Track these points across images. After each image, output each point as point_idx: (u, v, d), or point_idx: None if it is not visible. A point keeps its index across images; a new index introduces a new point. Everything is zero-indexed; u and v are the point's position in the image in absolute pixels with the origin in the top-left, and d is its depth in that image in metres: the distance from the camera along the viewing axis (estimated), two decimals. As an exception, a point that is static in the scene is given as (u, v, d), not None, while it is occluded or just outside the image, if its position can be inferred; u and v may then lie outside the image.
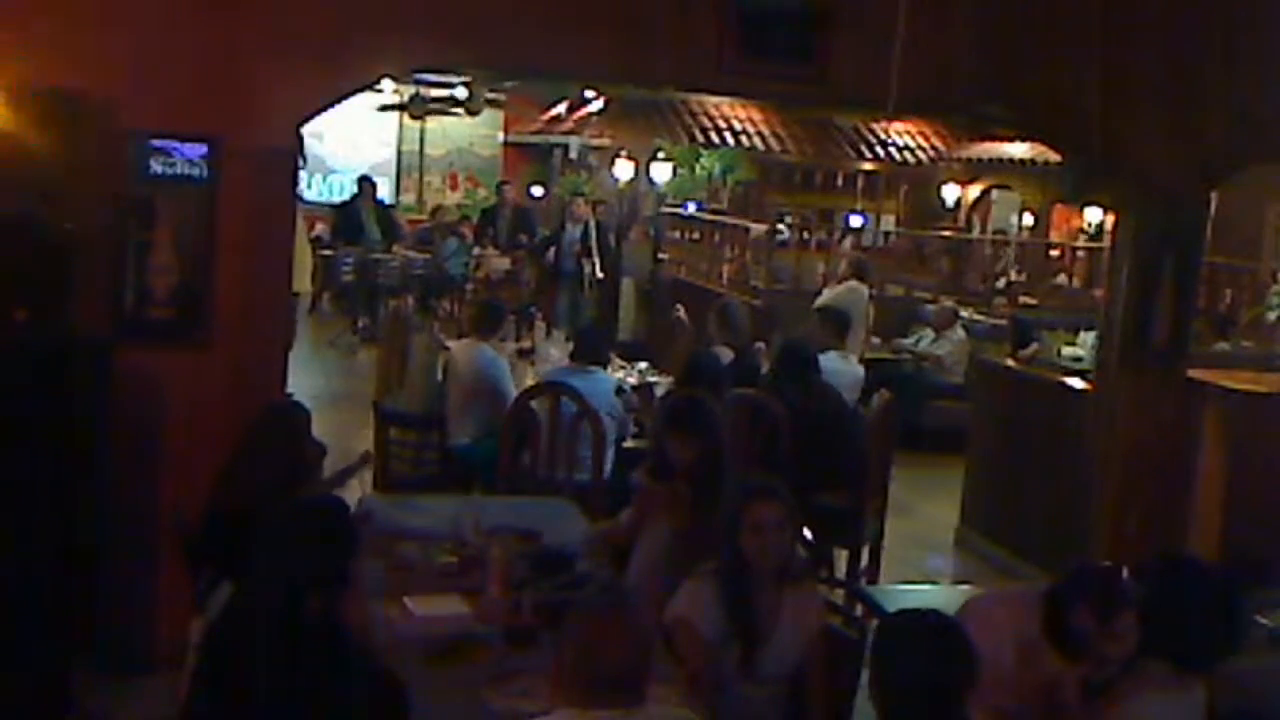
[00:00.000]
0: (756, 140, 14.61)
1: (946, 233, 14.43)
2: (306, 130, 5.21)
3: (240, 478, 4.04)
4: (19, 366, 4.34)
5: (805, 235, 12.70)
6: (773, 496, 3.57)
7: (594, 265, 12.85)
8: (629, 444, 6.19)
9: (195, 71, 4.83)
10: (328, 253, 13.57)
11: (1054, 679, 3.20)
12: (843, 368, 7.12)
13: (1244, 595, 3.11)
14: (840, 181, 15.19)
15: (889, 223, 14.56)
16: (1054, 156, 9.52)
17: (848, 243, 12.92)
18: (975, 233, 14.79)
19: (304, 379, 8.51)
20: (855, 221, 14.16)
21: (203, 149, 4.85)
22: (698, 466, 4.18)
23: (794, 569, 3.65)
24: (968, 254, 13.92)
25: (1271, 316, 10.62)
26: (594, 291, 12.98)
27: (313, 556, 3.00)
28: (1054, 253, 13.98)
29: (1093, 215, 13.80)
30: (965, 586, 6.28)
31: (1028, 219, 14.46)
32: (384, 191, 16.16)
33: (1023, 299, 12.21)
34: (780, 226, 12.64)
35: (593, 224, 12.97)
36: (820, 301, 9.45)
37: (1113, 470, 6.27)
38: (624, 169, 14.12)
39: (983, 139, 14.34)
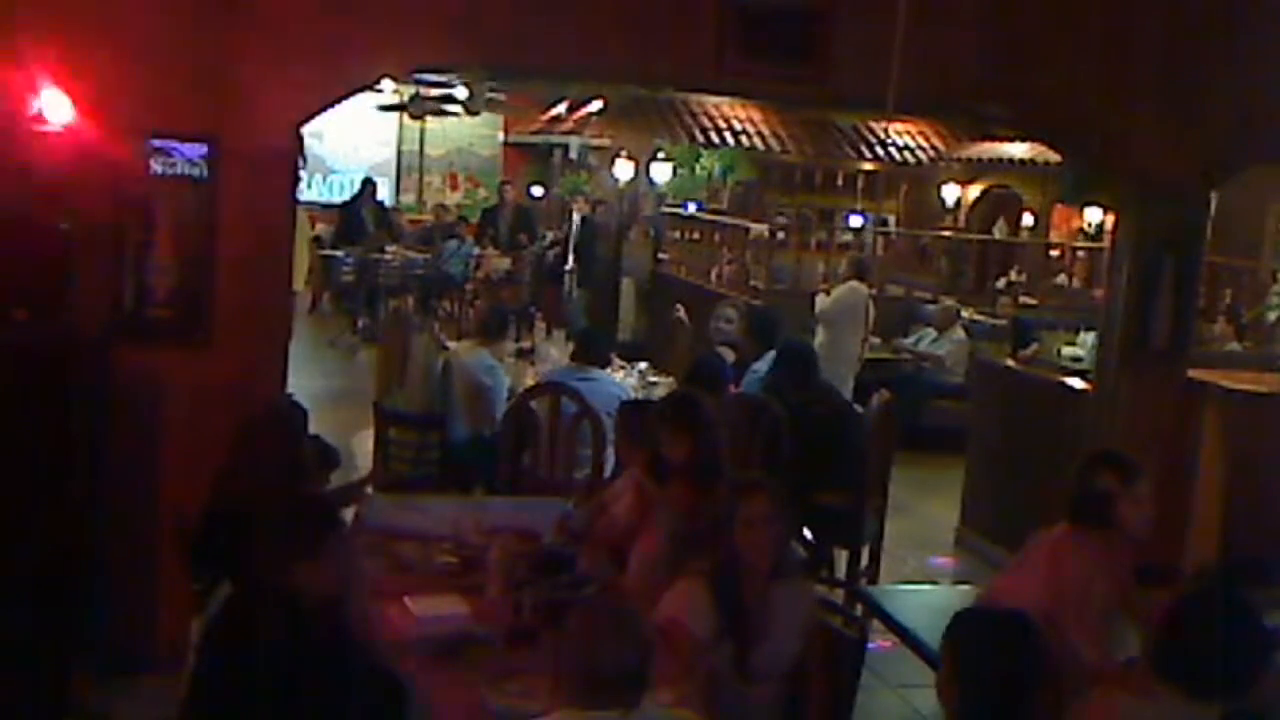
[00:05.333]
0: (756, 140, 14.58)
1: (946, 233, 14.42)
2: (306, 130, 5.22)
3: (238, 479, 4.03)
4: (19, 366, 4.34)
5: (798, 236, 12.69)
6: (760, 490, 3.57)
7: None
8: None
9: (195, 72, 4.83)
10: (328, 253, 13.59)
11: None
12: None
13: (1267, 620, 2.91)
14: (840, 181, 15.16)
15: (889, 222, 14.54)
16: (1054, 156, 9.55)
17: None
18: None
19: (304, 379, 8.48)
20: (855, 221, 14.14)
21: (203, 149, 4.85)
22: (693, 464, 4.17)
23: (786, 566, 3.64)
24: (967, 254, 13.90)
25: (1271, 316, 10.62)
26: (584, 292, 13.03)
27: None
28: (1054, 253, 13.97)
29: (1093, 215, 13.78)
30: (965, 586, 6.28)
31: (1027, 219, 14.45)
32: (384, 192, 16.17)
33: (1023, 299, 12.20)
34: (778, 233, 12.66)
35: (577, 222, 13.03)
36: (821, 302, 9.43)
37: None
38: (624, 169, 14.11)
39: (983, 139, 14.31)
